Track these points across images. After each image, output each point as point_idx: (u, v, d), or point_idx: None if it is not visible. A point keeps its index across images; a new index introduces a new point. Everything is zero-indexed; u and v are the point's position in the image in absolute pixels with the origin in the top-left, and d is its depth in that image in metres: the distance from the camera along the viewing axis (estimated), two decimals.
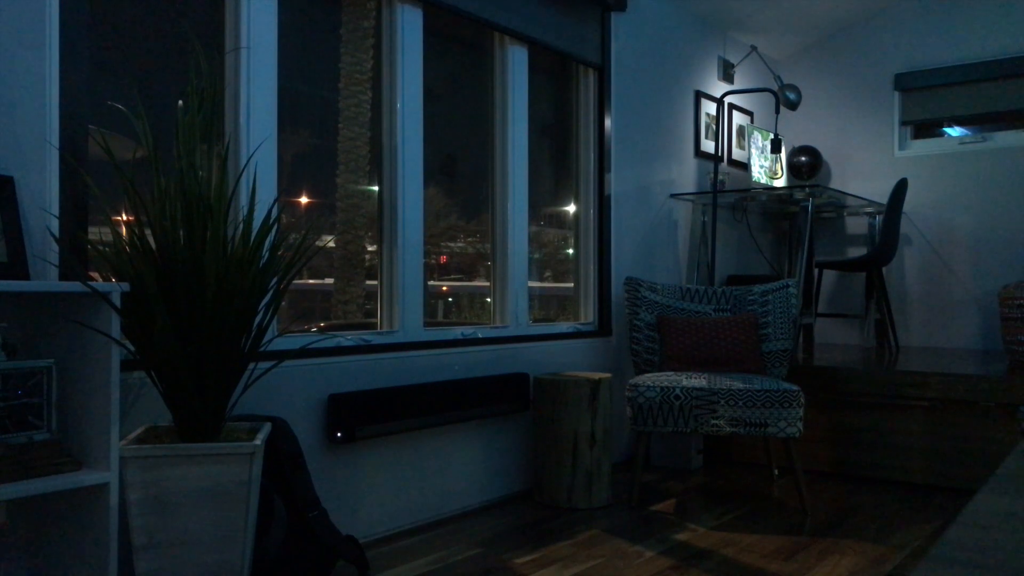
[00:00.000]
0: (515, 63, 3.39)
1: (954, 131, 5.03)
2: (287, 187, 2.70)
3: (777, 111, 4.24)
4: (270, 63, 2.52)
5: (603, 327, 3.86)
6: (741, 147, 5.03)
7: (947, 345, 4.98)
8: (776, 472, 3.72)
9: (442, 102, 3.23)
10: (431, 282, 3.26)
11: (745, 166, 5.03)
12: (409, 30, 2.97)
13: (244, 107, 2.46)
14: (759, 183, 4.69)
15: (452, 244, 3.39)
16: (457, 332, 3.17)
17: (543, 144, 3.75)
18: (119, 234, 1.87)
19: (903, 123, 5.11)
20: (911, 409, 3.56)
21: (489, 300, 3.44)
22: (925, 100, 5.06)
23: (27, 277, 1.87)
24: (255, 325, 2.24)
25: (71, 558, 1.89)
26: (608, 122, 3.86)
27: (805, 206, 4.13)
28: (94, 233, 2.10)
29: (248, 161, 2.35)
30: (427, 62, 3.06)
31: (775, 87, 5.12)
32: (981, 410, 3.41)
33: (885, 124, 5.20)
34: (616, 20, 3.92)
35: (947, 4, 4.98)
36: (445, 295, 3.37)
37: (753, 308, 3.59)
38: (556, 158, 3.83)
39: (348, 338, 2.77)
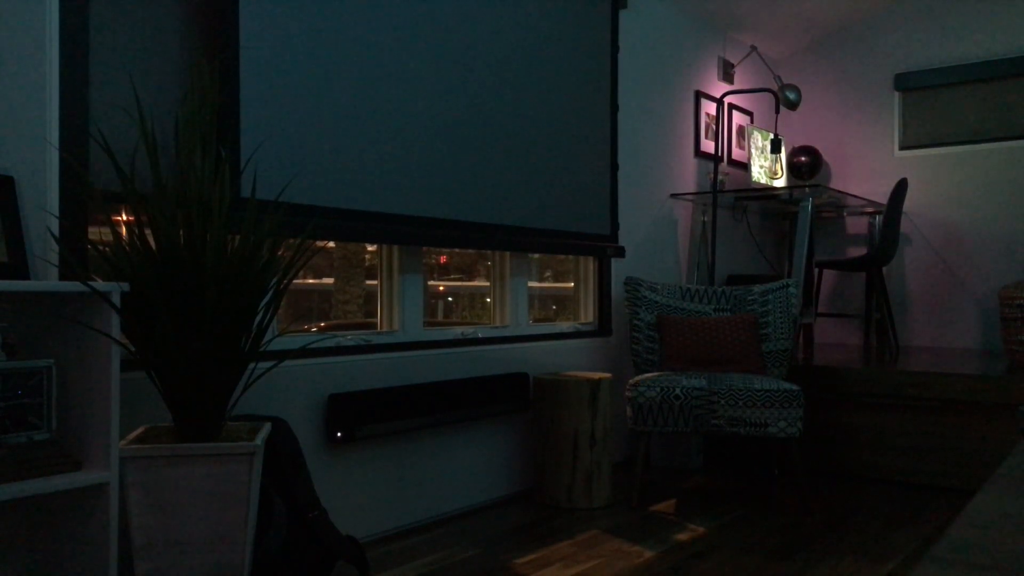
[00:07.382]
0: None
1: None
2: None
3: (777, 111, 4.24)
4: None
5: (603, 327, 3.86)
6: (741, 147, 5.03)
7: (947, 345, 4.98)
8: (776, 472, 3.72)
9: None
10: (433, 282, 3.25)
11: (745, 166, 5.03)
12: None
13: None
14: (759, 183, 4.69)
15: None
16: (457, 332, 3.17)
17: None
18: (119, 234, 1.87)
19: (903, 147, 5.10)
20: (911, 409, 3.56)
21: (489, 300, 3.44)
22: (925, 100, 5.06)
23: (27, 277, 1.87)
24: (255, 325, 2.24)
25: (71, 558, 1.89)
26: None
27: (805, 206, 4.13)
28: (94, 233, 2.10)
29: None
30: None
31: (775, 87, 5.12)
32: (981, 410, 3.41)
33: (885, 124, 5.20)
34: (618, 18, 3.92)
35: (947, 4, 4.98)
36: (445, 295, 3.37)
37: (753, 308, 3.59)
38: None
39: (348, 338, 2.77)
